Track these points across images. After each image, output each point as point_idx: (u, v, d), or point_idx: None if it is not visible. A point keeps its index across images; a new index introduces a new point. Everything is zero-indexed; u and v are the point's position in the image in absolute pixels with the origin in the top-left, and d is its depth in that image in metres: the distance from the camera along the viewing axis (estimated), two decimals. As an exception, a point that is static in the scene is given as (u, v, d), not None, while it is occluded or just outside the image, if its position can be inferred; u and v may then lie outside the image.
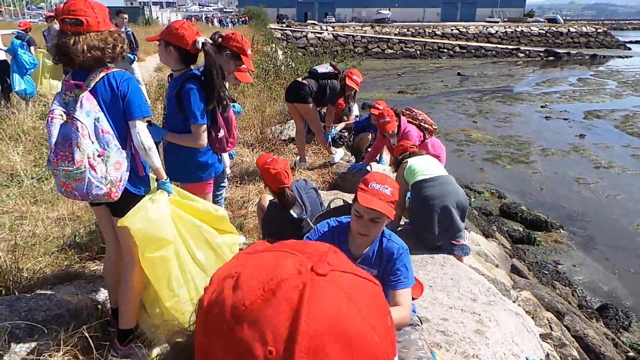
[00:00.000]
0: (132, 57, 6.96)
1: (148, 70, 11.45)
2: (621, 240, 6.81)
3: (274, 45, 13.66)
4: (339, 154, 4.96)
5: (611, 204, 8.00)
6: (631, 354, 4.30)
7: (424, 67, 28.53)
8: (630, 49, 39.46)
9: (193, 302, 2.01)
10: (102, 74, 1.89)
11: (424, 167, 3.20)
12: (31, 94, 6.54)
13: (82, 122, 1.79)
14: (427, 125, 4.12)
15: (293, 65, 8.43)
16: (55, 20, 7.63)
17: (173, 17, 42.40)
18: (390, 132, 4.05)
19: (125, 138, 1.96)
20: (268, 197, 3.04)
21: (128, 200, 1.97)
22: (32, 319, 2.13)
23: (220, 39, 3.02)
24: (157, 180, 2.05)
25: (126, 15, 7.40)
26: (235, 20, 35.47)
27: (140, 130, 1.93)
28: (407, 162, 3.35)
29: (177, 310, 1.96)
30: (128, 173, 1.94)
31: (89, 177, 1.81)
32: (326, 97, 4.62)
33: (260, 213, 3.04)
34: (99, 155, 1.84)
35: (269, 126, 5.69)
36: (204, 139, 2.43)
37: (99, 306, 2.31)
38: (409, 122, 4.13)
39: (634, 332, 4.90)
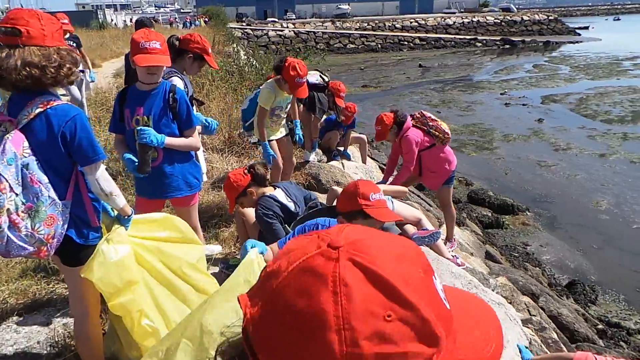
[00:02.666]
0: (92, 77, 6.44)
1: (106, 76, 11.02)
2: (583, 218, 7.12)
3: (235, 45, 13.45)
4: (313, 153, 4.97)
5: (571, 184, 8.35)
6: (600, 326, 4.51)
7: (386, 60, 28.87)
8: (579, 34, 41.22)
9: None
10: (39, 109, 1.57)
11: None
12: None
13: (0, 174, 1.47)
14: (437, 133, 3.91)
15: (257, 65, 8.32)
16: None
17: (128, 20, 41.11)
18: (387, 139, 4.00)
19: (66, 185, 1.66)
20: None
21: (77, 250, 1.74)
22: (0, 355, 2.00)
23: (178, 42, 3.00)
24: (117, 216, 1.83)
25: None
26: (199, 20, 34.45)
27: (99, 176, 1.67)
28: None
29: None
30: (65, 226, 1.65)
31: (8, 237, 1.50)
32: (315, 109, 4.56)
33: (240, 217, 2.98)
34: (24, 210, 1.53)
35: (237, 129, 5.60)
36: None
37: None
38: (415, 126, 3.91)
39: (601, 304, 5.14)
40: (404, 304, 0.44)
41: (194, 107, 3.19)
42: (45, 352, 2.05)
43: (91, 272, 1.68)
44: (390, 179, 4.22)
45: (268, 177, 3.07)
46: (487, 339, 0.51)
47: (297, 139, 4.03)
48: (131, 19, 43.44)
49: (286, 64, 3.55)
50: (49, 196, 1.58)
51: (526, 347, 2.22)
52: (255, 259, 1.66)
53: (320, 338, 0.42)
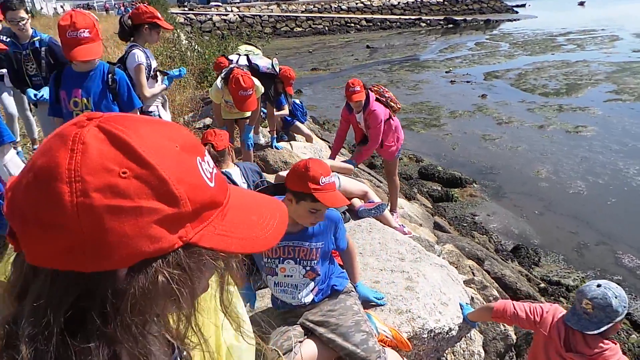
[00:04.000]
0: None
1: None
2: (525, 187, 7.51)
3: (177, 30, 12.93)
4: (261, 135, 4.90)
5: (514, 155, 8.76)
6: (542, 285, 4.82)
7: (334, 43, 28.82)
8: (517, 12, 42.91)
9: None
10: None
11: None
12: None
13: None
14: (393, 104, 3.96)
15: (199, 49, 8.04)
16: None
17: (59, 8, 38.44)
18: (357, 102, 3.76)
19: None
20: None
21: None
22: None
23: (130, 20, 3.05)
24: None
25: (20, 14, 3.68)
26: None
27: (7, 160, 1.54)
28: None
29: None
30: None
31: None
32: (268, 97, 4.47)
33: None
34: None
35: (180, 115, 5.42)
36: None
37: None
38: (376, 99, 3.88)
39: (543, 265, 5.47)
40: (141, 163, 0.47)
41: (159, 79, 3.25)
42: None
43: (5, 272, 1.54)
44: (340, 157, 4.22)
45: (232, 155, 3.01)
46: (266, 223, 0.58)
47: (247, 146, 4.07)
48: (62, 6, 40.62)
49: (230, 76, 3.56)
50: None
51: (467, 304, 2.35)
52: None
53: (52, 189, 0.45)
